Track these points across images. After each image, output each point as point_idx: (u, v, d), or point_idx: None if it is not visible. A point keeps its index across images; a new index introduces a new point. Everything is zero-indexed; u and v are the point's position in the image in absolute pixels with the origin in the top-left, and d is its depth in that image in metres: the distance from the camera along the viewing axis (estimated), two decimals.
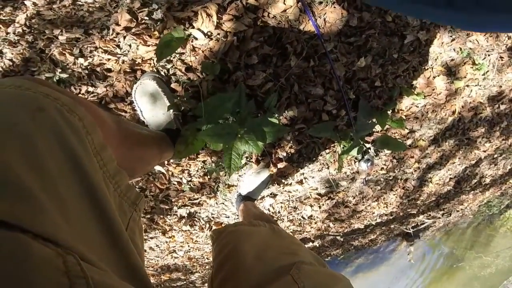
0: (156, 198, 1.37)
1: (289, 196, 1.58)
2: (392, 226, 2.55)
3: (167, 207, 1.43)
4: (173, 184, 1.33)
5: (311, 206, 1.70)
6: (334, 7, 0.92)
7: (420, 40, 1.07)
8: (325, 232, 2.11)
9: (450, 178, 2.01)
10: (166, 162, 1.23)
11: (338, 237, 2.25)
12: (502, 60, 1.24)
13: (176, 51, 0.91)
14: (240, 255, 0.64)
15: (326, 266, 0.67)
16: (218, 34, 0.89)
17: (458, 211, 2.76)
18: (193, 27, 0.87)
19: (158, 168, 1.25)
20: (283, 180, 1.44)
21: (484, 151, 1.80)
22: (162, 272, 2.13)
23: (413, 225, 2.65)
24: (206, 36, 0.89)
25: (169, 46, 0.80)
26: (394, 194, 1.92)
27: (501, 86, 1.37)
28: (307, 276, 0.54)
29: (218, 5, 0.85)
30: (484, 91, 1.37)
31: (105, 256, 0.34)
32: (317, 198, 1.64)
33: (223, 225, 1.52)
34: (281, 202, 1.61)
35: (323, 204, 1.71)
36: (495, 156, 1.97)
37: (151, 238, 1.66)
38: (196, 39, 0.89)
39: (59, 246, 0.27)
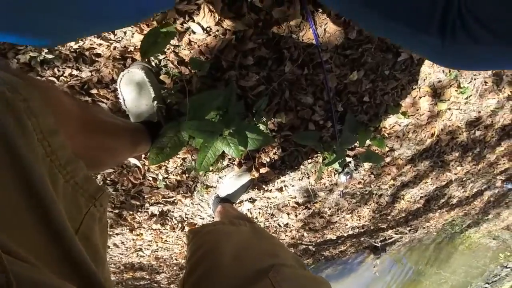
0: (128, 193, 1.30)
1: (267, 202, 1.56)
2: (362, 238, 2.61)
3: (138, 203, 1.37)
4: (148, 179, 1.28)
5: (288, 214, 1.69)
6: (337, 18, 0.92)
7: (413, 59, 1.09)
8: (298, 241, 2.11)
9: (421, 197, 2.08)
10: (143, 156, 1.17)
11: (311, 247, 2.26)
12: (486, 85, 1.29)
13: (171, 43, 0.87)
14: (216, 256, 0.60)
15: (307, 269, 0.65)
16: (217, 30, 0.86)
17: (424, 228, 2.86)
18: (193, 21, 0.84)
19: (133, 161, 1.19)
20: (263, 186, 1.42)
21: (455, 174, 1.88)
22: (125, 270, 2.03)
23: (381, 239, 2.72)
24: (205, 31, 0.86)
25: (155, 43, 0.73)
26: (368, 208, 1.95)
27: (479, 112, 1.43)
28: (286, 279, 0.53)
29: (222, 1, 0.82)
30: (463, 115, 1.42)
31: (40, 250, 0.30)
32: (294, 207, 1.64)
33: (198, 225, 1.47)
34: (259, 208, 1.59)
35: (299, 213, 1.71)
36: (464, 179, 2.07)
37: (117, 234, 1.59)
38: (194, 33, 0.86)
39: None
